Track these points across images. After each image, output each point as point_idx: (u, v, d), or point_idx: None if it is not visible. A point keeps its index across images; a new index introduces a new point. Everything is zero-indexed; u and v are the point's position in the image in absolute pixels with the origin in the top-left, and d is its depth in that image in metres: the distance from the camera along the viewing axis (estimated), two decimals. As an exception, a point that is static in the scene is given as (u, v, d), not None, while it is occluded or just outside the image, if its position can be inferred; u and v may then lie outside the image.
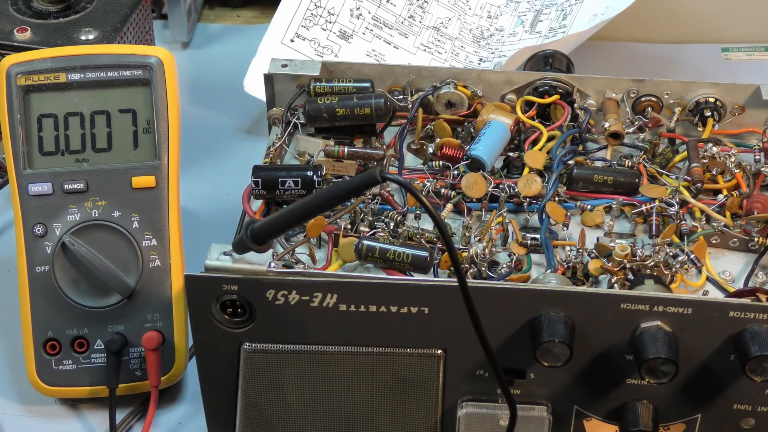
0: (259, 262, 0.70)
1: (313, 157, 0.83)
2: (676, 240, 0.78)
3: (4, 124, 0.82)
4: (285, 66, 0.88)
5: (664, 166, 0.84)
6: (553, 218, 0.78)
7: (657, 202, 0.79)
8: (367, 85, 0.85)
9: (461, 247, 0.77)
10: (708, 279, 0.76)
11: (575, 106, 0.87)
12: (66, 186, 0.82)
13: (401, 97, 0.88)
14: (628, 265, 0.75)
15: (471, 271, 0.75)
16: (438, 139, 0.85)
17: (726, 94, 0.87)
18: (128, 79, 0.83)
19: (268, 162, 0.82)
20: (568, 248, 0.77)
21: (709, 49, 1.19)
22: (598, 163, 0.84)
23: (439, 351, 0.72)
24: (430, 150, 0.84)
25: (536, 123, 0.86)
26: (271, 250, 0.70)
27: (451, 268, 0.74)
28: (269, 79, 0.87)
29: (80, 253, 0.81)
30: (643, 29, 1.18)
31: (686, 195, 0.80)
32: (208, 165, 1.05)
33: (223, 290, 0.70)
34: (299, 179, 0.78)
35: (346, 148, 0.82)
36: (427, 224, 0.79)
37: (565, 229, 0.79)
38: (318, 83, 0.85)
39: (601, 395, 0.73)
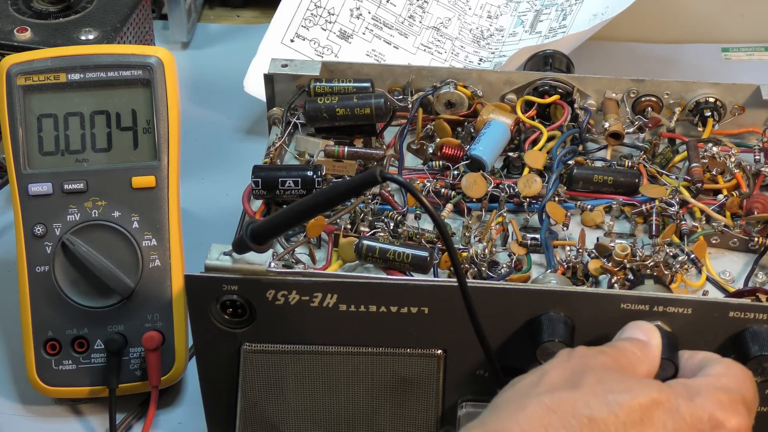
0: (259, 262, 0.70)
1: (313, 157, 0.83)
2: (676, 240, 0.78)
3: (4, 124, 0.82)
4: (285, 66, 0.88)
5: (664, 166, 0.84)
6: (553, 218, 0.78)
7: (657, 202, 0.79)
8: (367, 85, 0.85)
9: (461, 247, 0.77)
10: (708, 279, 0.76)
11: (575, 106, 0.87)
12: (66, 186, 0.82)
13: (401, 97, 0.88)
14: (628, 265, 0.75)
15: (471, 271, 0.75)
16: (438, 139, 0.85)
17: (726, 94, 0.87)
18: (128, 79, 0.83)
19: (268, 162, 0.82)
20: (568, 248, 0.77)
21: (709, 49, 1.19)
22: (598, 163, 0.84)
23: (439, 351, 0.72)
24: (430, 150, 0.84)
25: (536, 123, 0.86)
26: (271, 250, 0.70)
27: (451, 268, 0.74)
28: (269, 79, 0.87)
29: (80, 253, 0.81)
30: (643, 29, 1.18)
31: (686, 195, 0.80)
32: (208, 165, 1.05)
33: (223, 290, 0.70)
34: (299, 179, 0.78)
35: (346, 148, 0.82)
36: (427, 224, 0.79)
37: (565, 229, 0.79)
38: (318, 83, 0.85)
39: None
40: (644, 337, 0.65)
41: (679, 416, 0.59)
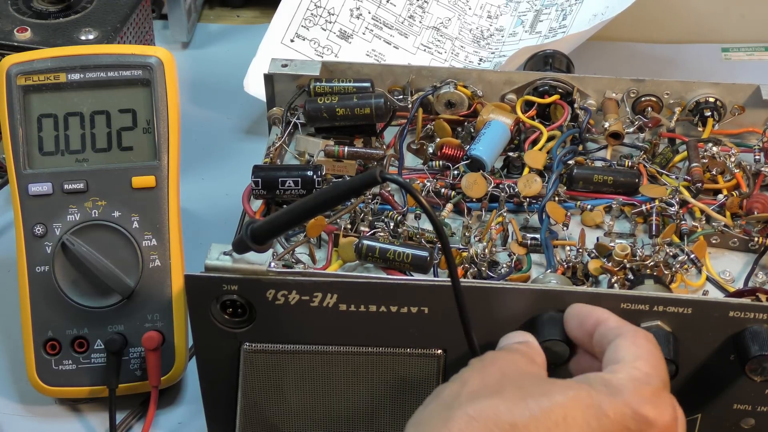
0: (259, 262, 0.70)
1: (313, 157, 0.83)
2: (676, 240, 0.78)
3: (4, 124, 0.82)
4: (285, 66, 0.88)
5: (664, 166, 0.84)
6: (553, 218, 0.78)
7: (657, 202, 0.79)
8: (367, 85, 0.85)
9: (461, 247, 0.77)
10: (708, 279, 0.76)
11: (575, 106, 0.87)
12: (66, 186, 0.82)
13: (401, 97, 0.88)
14: (628, 265, 0.75)
15: (471, 271, 0.75)
16: (438, 139, 0.85)
17: (726, 94, 0.87)
18: (128, 79, 0.83)
19: (268, 162, 0.82)
20: (568, 248, 0.77)
21: (709, 49, 1.19)
22: (598, 163, 0.84)
23: (439, 351, 0.72)
24: (430, 150, 0.84)
25: (536, 123, 0.86)
26: (271, 250, 0.70)
27: (451, 268, 0.74)
28: (269, 79, 0.87)
29: (80, 253, 0.81)
30: (643, 29, 1.18)
31: (686, 195, 0.80)
32: (208, 165, 1.05)
33: (223, 290, 0.70)
34: (299, 179, 0.78)
35: (346, 148, 0.82)
36: (427, 224, 0.79)
37: (565, 229, 0.79)
38: (318, 83, 0.85)
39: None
40: (522, 338, 0.66)
41: (603, 414, 0.58)
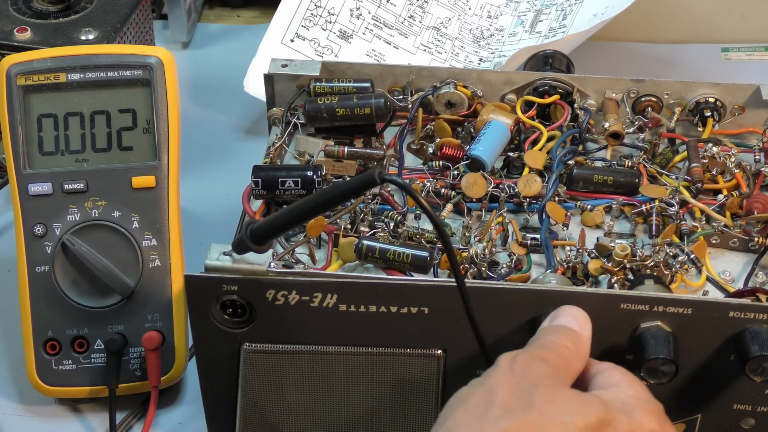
0: (259, 262, 0.70)
1: (313, 157, 0.83)
2: (676, 240, 0.78)
3: (4, 124, 0.82)
4: (285, 66, 0.88)
5: (664, 166, 0.84)
6: (553, 218, 0.78)
7: (657, 202, 0.79)
8: (367, 85, 0.85)
9: (461, 247, 0.77)
10: (708, 279, 0.76)
11: (575, 106, 0.87)
12: (66, 186, 0.82)
13: (401, 97, 0.88)
14: (628, 265, 0.74)
15: (471, 271, 0.75)
16: (438, 139, 0.85)
17: (726, 94, 0.87)
18: (128, 79, 0.83)
19: (268, 162, 0.82)
20: (568, 248, 0.77)
21: (709, 49, 1.19)
22: (598, 163, 0.84)
23: (439, 351, 0.72)
24: (430, 150, 0.84)
25: (536, 123, 0.86)
26: (271, 250, 0.70)
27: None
28: (269, 79, 0.87)
29: (80, 253, 0.81)
30: (643, 29, 1.18)
31: (686, 195, 0.80)
32: (208, 165, 1.05)
33: (223, 290, 0.70)
34: (299, 179, 0.78)
35: (346, 148, 0.82)
36: (427, 224, 0.79)
37: (565, 229, 0.79)
38: (318, 83, 0.85)
39: (601, 395, 0.73)
40: (577, 328, 0.67)
41: None
